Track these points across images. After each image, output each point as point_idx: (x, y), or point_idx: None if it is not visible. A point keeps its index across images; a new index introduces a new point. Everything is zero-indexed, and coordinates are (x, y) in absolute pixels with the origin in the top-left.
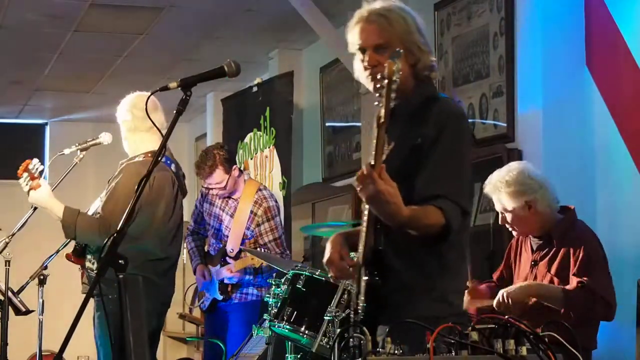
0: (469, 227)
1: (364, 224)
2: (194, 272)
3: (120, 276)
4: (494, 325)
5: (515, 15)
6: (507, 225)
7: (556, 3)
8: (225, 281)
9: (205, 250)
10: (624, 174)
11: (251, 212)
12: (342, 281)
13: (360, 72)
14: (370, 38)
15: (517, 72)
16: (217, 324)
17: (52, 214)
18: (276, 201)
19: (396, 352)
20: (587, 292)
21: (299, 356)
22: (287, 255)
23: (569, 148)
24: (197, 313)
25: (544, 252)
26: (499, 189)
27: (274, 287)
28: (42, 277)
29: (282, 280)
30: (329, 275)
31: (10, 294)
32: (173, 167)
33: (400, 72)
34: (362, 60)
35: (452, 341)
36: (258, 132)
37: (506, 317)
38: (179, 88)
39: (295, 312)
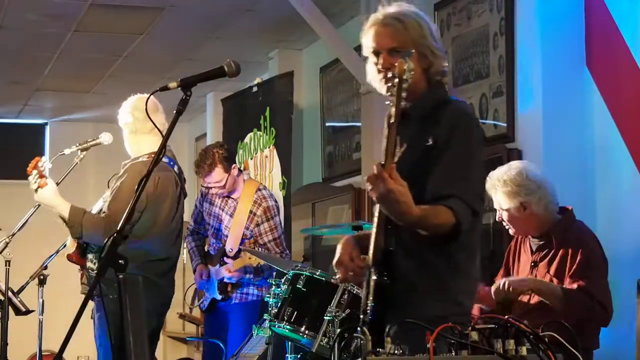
0: (479, 228)
1: (375, 224)
2: (194, 272)
3: (120, 276)
4: (494, 325)
5: (515, 15)
6: (504, 223)
7: (556, 3)
8: (225, 280)
9: (206, 250)
10: (624, 173)
11: (250, 212)
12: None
13: (373, 75)
14: (385, 41)
15: (517, 72)
16: (217, 324)
17: (58, 213)
18: (276, 201)
19: (396, 352)
20: (586, 295)
21: (299, 356)
22: (286, 255)
23: (569, 148)
24: (197, 313)
25: (544, 253)
26: (496, 187)
27: (274, 287)
28: (42, 277)
29: (282, 280)
30: (336, 277)
31: (10, 294)
32: (176, 168)
33: (412, 72)
34: (376, 63)
35: (452, 341)
36: (258, 132)
37: (506, 317)
38: (179, 88)
39: (296, 312)
